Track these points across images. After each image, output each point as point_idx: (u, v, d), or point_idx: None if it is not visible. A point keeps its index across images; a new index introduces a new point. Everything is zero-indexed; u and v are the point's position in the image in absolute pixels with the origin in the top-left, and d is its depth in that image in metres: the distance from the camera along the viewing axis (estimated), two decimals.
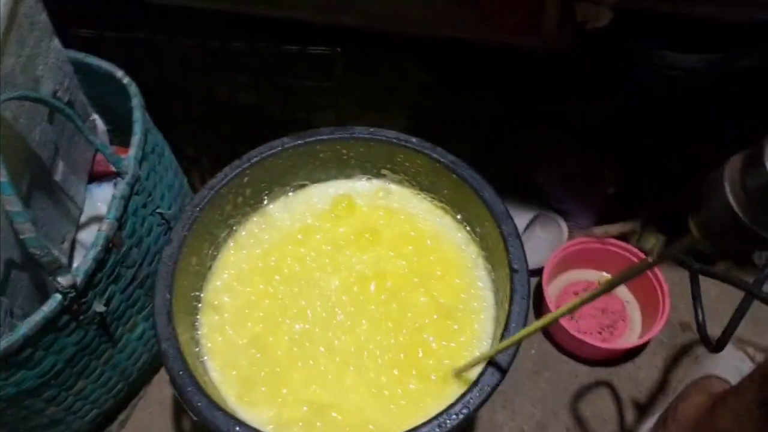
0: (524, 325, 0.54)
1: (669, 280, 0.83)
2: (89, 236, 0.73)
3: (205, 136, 0.86)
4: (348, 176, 0.70)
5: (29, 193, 0.60)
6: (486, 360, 0.52)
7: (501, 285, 0.60)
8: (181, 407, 0.83)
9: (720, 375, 0.77)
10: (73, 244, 0.73)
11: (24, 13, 0.56)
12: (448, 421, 0.49)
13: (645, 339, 0.79)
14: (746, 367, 0.78)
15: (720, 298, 0.89)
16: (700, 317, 0.64)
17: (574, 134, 0.89)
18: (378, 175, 0.69)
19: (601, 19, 0.65)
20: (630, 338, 0.84)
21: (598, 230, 0.86)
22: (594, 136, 0.89)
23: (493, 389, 0.51)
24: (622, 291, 0.88)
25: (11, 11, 0.53)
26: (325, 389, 0.57)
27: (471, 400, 0.50)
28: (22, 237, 0.51)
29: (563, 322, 0.79)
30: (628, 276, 0.45)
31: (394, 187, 0.69)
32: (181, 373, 0.52)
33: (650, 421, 0.76)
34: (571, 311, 0.46)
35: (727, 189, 0.31)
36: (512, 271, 0.56)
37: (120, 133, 0.82)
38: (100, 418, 0.76)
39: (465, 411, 0.50)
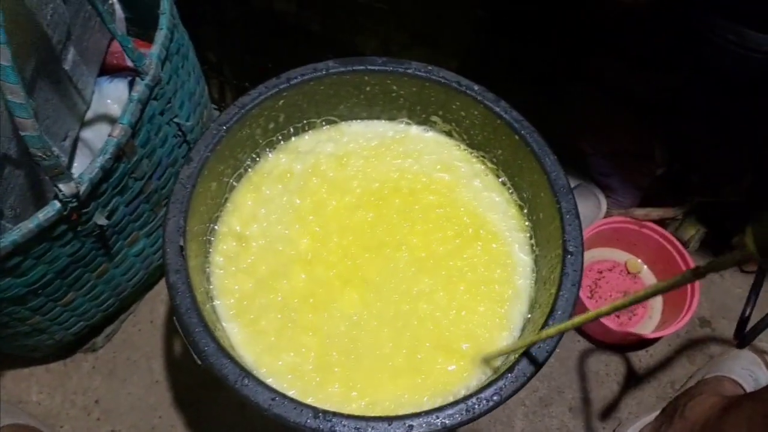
0: (571, 315, 0.49)
1: None
2: (94, 135, 0.66)
3: (232, 42, 0.77)
4: (392, 118, 0.62)
5: (33, 82, 0.52)
6: (522, 348, 0.47)
7: (546, 265, 0.54)
8: (173, 328, 0.78)
9: (734, 378, 0.74)
10: (76, 142, 0.65)
11: None
12: (476, 406, 0.45)
13: (665, 333, 0.75)
14: (762, 374, 0.75)
15: (743, 298, 0.85)
16: (748, 312, 0.65)
17: (630, 106, 0.82)
18: (425, 122, 0.62)
19: None
20: (647, 326, 0.80)
21: (639, 212, 0.81)
22: (650, 111, 0.81)
23: (528, 379, 0.46)
24: (648, 276, 0.84)
25: None
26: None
27: (504, 387, 0.45)
28: (22, 134, 0.44)
29: (584, 300, 0.75)
30: (672, 285, 0.39)
31: (432, 136, 0.62)
32: (189, 311, 0.47)
33: (653, 413, 0.74)
34: (618, 309, 0.41)
35: None
36: (566, 252, 0.51)
37: (138, 24, 0.73)
38: (86, 330, 0.72)
39: (496, 398, 0.45)
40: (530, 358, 0.47)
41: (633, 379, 0.79)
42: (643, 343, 0.81)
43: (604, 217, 0.82)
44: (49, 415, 0.72)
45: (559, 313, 0.48)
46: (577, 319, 0.44)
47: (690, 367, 0.80)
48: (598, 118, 0.81)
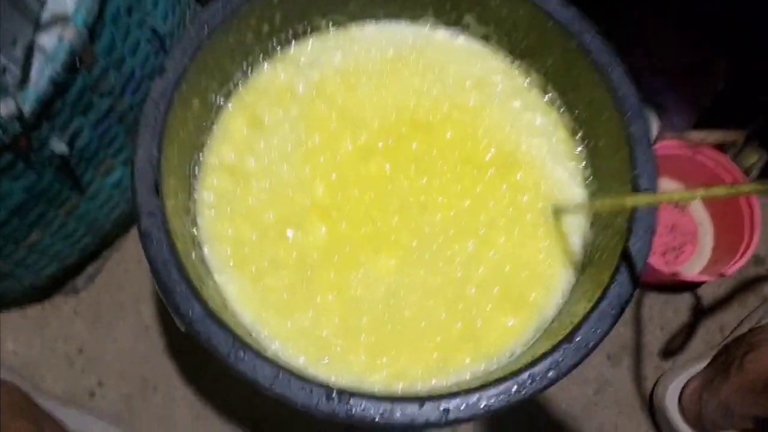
0: (642, 270, 0.39)
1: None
2: (53, 41, 0.54)
3: None
4: (414, 18, 0.51)
5: None
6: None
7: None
8: None
9: None
10: (31, 50, 0.54)
11: None
12: (528, 384, 0.36)
13: (719, 274, 0.66)
14: None
15: None
16: None
17: (689, 16, 0.69)
18: (456, 23, 0.50)
19: None
20: (695, 266, 0.71)
21: (696, 135, 0.70)
22: (712, 21, 0.69)
23: (591, 350, 0.38)
24: (698, 210, 0.74)
25: None
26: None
27: (562, 360, 0.37)
28: None
29: None
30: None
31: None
32: (166, 264, 0.37)
33: (701, 362, 0.66)
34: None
35: None
36: (637, 190, 0.41)
37: None
38: (61, 273, 0.63)
39: (552, 374, 0.37)
40: (592, 324, 0.38)
41: (678, 324, 0.71)
42: (690, 284, 0.72)
43: (655, 142, 0.71)
44: (28, 366, 0.64)
45: (629, 267, 0.39)
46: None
47: (741, 311, 0.72)
48: (652, 29, 0.69)
